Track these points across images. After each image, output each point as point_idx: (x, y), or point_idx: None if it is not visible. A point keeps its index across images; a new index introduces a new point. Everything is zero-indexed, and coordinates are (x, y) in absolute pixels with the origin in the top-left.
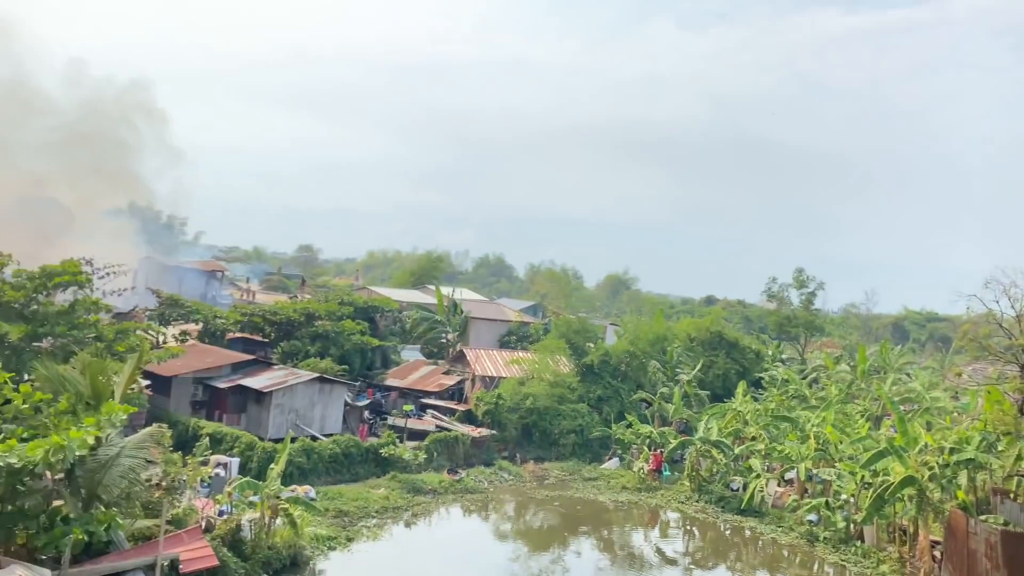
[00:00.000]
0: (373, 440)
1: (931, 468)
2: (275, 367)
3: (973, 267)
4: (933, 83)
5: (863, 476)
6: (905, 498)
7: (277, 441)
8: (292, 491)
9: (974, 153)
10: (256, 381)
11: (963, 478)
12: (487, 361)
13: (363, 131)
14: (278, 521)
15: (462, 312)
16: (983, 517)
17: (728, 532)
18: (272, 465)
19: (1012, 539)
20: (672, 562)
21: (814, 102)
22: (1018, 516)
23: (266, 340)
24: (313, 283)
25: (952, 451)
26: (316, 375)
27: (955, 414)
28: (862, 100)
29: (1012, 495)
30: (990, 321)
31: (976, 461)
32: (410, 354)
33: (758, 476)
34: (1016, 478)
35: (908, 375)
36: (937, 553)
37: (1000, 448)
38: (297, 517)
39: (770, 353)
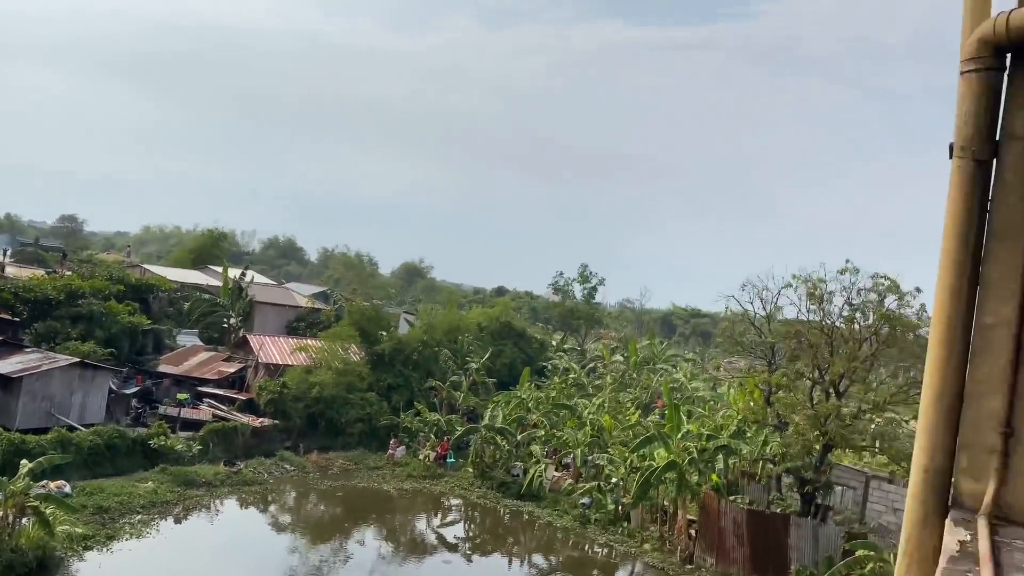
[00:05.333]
0: (141, 431)
1: (691, 453)
2: (27, 350)
3: (734, 271)
4: (707, 98)
5: (632, 460)
6: (668, 481)
7: (27, 432)
8: (43, 487)
9: (742, 163)
10: (4, 365)
11: (719, 462)
12: (272, 348)
13: (137, 92)
14: (24, 520)
15: (247, 296)
16: (732, 497)
17: (507, 517)
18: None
19: (754, 517)
20: (452, 547)
21: (610, 108)
22: (761, 495)
23: (17, 319)
24: (76, 257)
25: (709, 438)
26: (76, 360)
27: (712, 403)
28: (650, 107)
29: (757, 477)
30: (744, 319)
31: (729, 447)
32: (187, 339)
33: (537, 462)
34: (761, 461)
35: (673, 366)
36: (693, 531)
37: (748, 435)
38: (48, 515)
39: (554, 343)
